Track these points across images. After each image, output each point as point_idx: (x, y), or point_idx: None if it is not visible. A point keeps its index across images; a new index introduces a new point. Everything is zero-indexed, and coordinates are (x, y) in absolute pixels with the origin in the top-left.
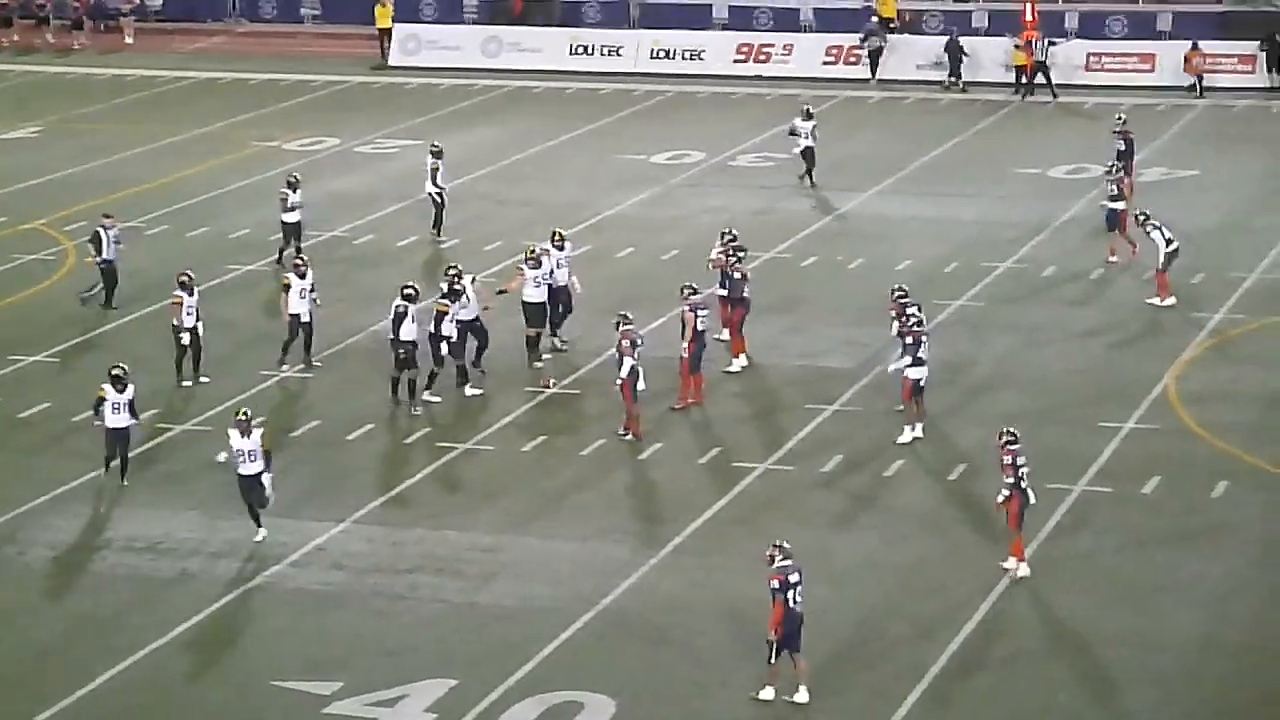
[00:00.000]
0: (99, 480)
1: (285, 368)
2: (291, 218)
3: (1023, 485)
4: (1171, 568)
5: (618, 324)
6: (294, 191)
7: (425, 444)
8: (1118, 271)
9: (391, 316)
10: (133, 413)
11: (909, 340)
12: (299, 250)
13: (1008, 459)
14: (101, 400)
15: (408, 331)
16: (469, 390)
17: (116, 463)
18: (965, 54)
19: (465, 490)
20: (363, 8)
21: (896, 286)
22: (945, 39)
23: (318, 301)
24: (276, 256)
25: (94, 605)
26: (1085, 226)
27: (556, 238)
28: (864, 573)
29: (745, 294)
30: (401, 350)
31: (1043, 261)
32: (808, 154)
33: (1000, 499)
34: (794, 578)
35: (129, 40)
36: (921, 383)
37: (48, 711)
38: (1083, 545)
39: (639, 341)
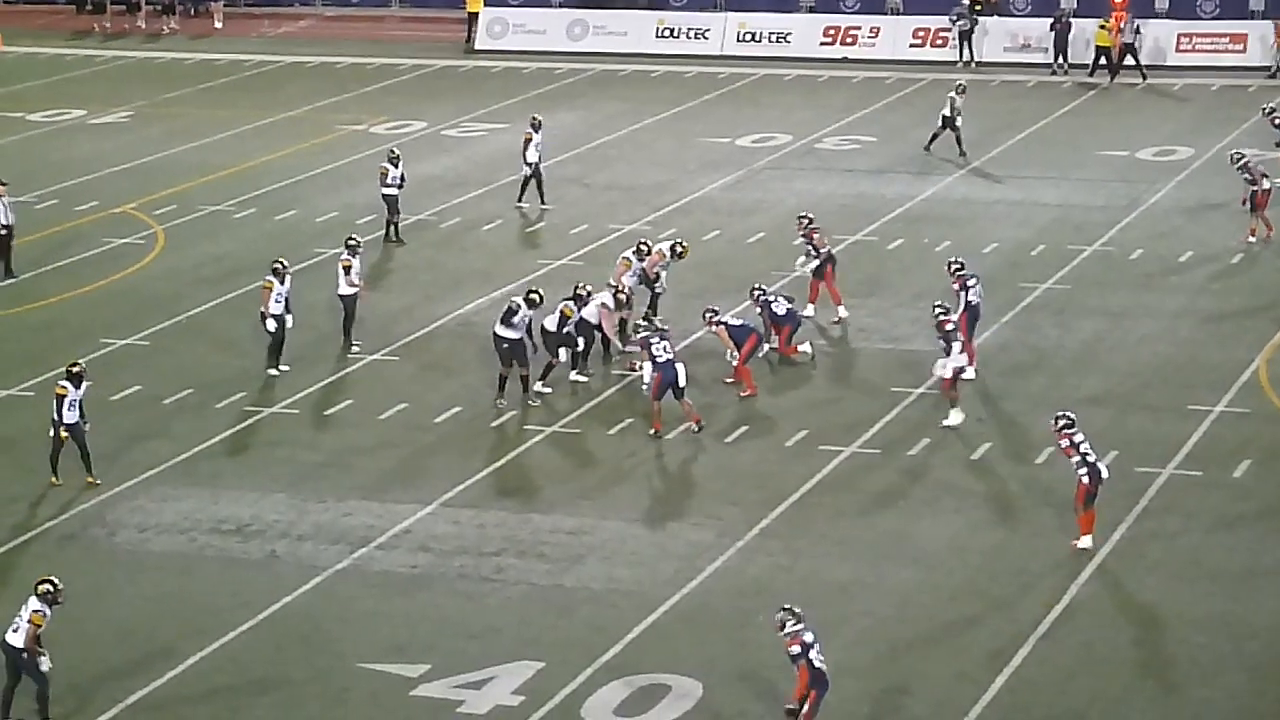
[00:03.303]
0: (183, 463)
1: (357, 347)
2: (390, 191)
3: (1090, 460)
4: (1262, 552)
5: (637, 328)
6: (395, 166)
7: (511, 427)
8: (1206, 255)
9: (502, 311)
10: (81, 412)
11: (950, 327)
12: (396, 226)
13: (1064, 442)
14: (61, 398)
15: (510, 329)
16: (575, 376)
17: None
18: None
19: (550, 473)
20: None
21: (953, 260)
22: (1050, 20)
23: (357, 283)
24: (384, 232)
25: (181, 587)
26: (1173, 210)
27: (680, 248)
28: (949, 556)
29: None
30: (505, 344)
31: (1130, 245)
32: (949, 125)
33: (1084, 482)
34: (809, 637)
35: (218, 25)
36: (964, 370)
37: (135, 694)
38: (1171, 529)
39: (653, 343)
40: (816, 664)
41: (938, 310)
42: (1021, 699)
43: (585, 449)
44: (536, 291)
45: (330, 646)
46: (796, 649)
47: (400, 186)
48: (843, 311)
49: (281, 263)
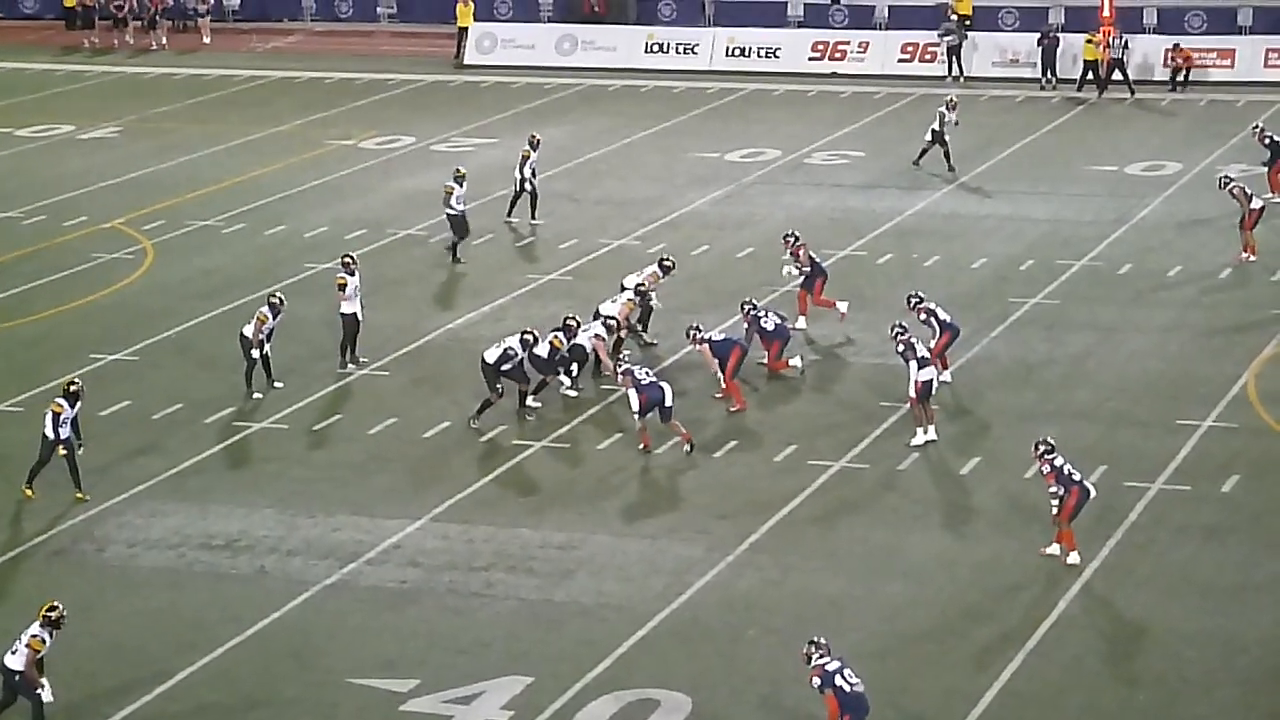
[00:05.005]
0: (173, 478)
1: (353, 366)
2: (455, 211)
3: (1074, 479)
4: (1251, 566)
5: (626, 364)
6: (460, 185)
7: (501, 442)
8: (1196, 270)
9: (499, 352)
10: (75, 430)
11: (901, 348)
12: (456, 246)
13: (1045, 468)
14: (57, 415)
15: (506, 362)
16: (565, 390)
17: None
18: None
19: (540, 488)
20: (438, 7)
21: (913, 293)
22: (1038, 35)
23: (363, 301)
24: (451, 254)
25: (171, 602)
26: (1162, 224)
27: (668, 263)
28: (939, 571)
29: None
30: (500, 385)
31: (1118, 260)
32: (938, 139)
33: (1055, 509)
34: (833, 665)
35: (206, 40)
36: (933, 384)
37: (124, 709)
38: (1160, 544)
39: (634, 370)
40: (847, 689)
41: (896, 330)
42: (1011, 713)
43: (575, 463)
44: (530, 332)
45: (319, 662)
46: (817, 680)
47: (465, 206)
48: (843, 306)
49: (280, 297)
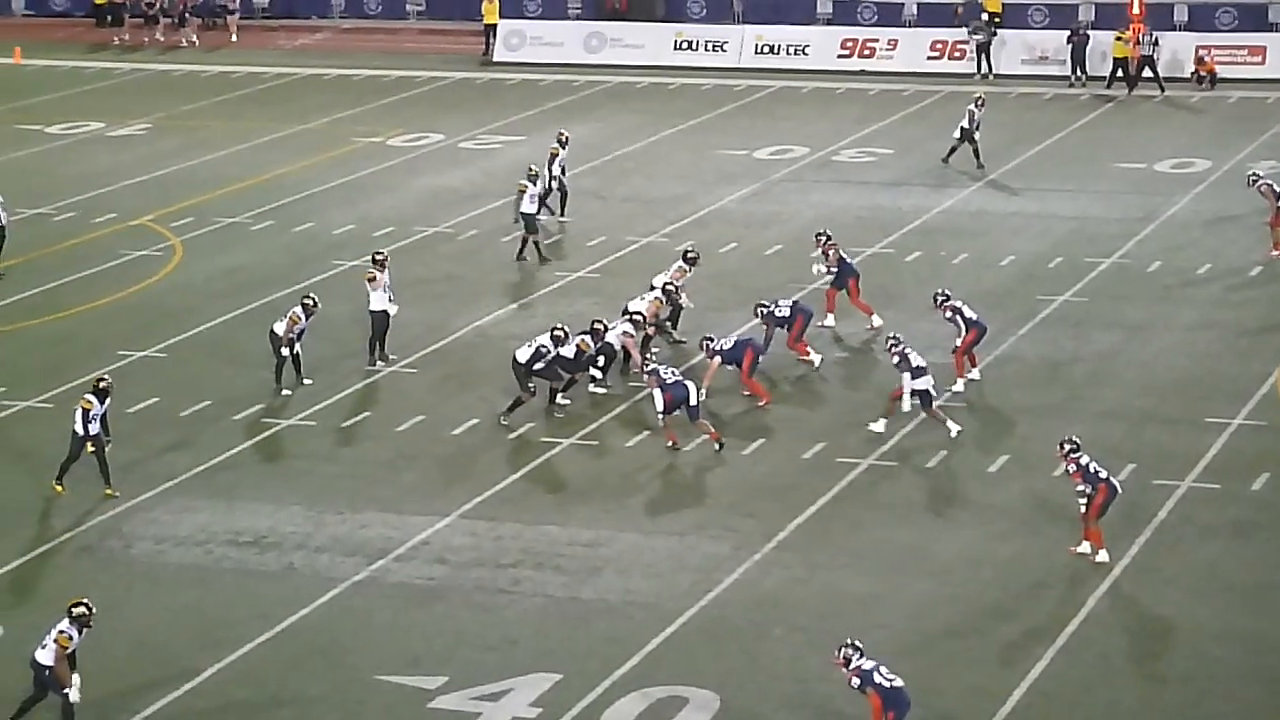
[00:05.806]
0: (201, 475)
1: (381, 364)
2: (530, 208)
3: (1101, 477)
4: (1279, 566)
5: (653, 364)
6: (533, 184)
7: (529, 439)
8: (1225, 267)
9: (531, 350)
10: (104, 426)
11: (896, 359)
12: (526, 243)
13: (1072, 468)
14: (87, 411)
15: (539, 362)
16: (593, 387)
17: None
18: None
19: (568, 485)
20: (465, 3)
21: (939, 291)
22: (1067, 33)
23: (392, 298)
24: (519, 249)
25: (198, 599)
26: (1190, 222)
27: (692, 254)
28: (966, 569)
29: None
30: (532, 384)
31: (1147, 257)
32: (967, 137)
33: (1082, 507)
34: (869, 664)
35: (234, 37)
36: (930, 391)
37: (151, 706)
38: (1189, 542)
39: (660, 370)
40: (888, 685)
41: (890, 342)
42: (1038, 711)
43: (602, 461)
44: (561, 328)
45: (347, 659)
46: (856, 681)
47: (537, 205)
48: (876, 321)
49: (313, 298)
